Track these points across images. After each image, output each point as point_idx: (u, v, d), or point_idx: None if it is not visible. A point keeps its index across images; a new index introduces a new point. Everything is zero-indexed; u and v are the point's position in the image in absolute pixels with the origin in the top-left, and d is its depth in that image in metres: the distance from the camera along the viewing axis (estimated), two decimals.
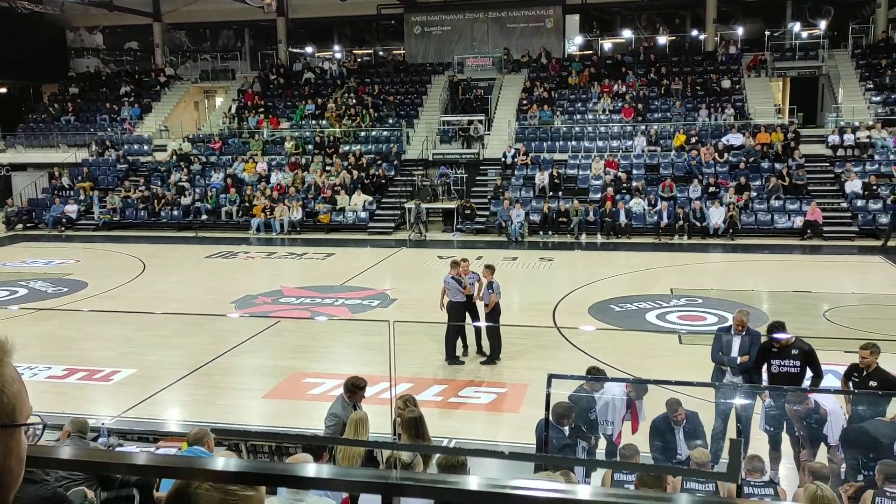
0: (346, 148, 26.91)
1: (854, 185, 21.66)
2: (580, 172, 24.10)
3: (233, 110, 29.98)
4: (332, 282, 16.02)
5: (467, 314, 10.60)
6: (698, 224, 20.88)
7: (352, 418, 5.84)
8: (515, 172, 24.41)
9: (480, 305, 10.60)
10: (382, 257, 19.11)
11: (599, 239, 21.16)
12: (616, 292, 14.45)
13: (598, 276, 16.21)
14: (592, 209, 21.55)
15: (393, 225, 23.29)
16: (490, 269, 10.46)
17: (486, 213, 23.11)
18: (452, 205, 23.19)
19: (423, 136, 26.65)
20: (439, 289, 10.74)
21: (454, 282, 10.29)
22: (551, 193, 23.00)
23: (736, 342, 7.50)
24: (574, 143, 25.62)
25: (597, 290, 14.87)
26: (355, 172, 24.62)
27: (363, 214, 23.35)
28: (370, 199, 23.85)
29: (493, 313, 10.34)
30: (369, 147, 27.18)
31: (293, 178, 25.02)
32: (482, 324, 10.53)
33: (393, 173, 25.56)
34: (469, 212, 22.59)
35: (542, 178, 23.23)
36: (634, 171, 23.65)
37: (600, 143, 25.33)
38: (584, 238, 21.23)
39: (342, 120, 28.05)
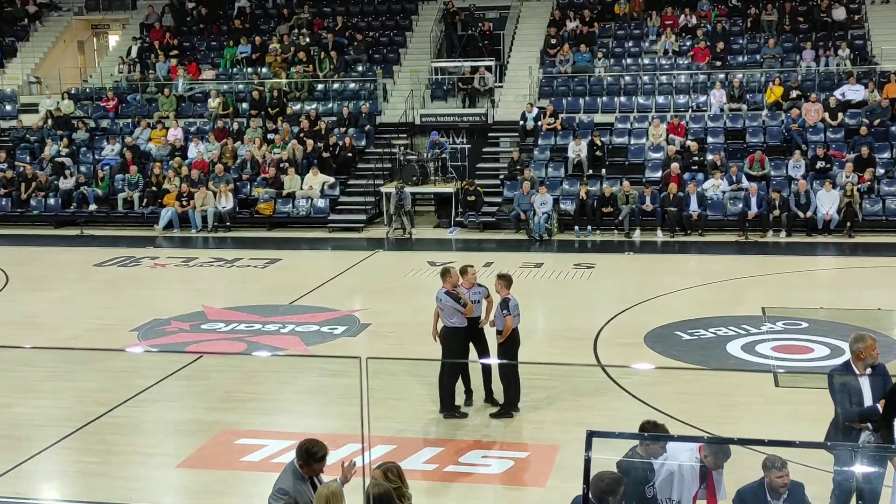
0: (297, 107, 26.95)
1: None
2: (632, 141, 24.15)
3: (133, 54, 29.97)
4: (278, 300, 16.02)
5: (471, 346, 10.61)
6: (801, 214, 20.97)
7: (320, 493, 5.88)
8: (540, 142, 24.46)
9: (491, 333, 10.62)
10: (349, 264, 19.15)
11: (660, 236, 21.22)
12: (684, 313, 14.48)
13: (659, 289, 16.22)
14: (650, 194, 21.62)
15: (364, 217, 23.34)
16: (504, 280, 10.49)
17: (498, 199, 23.15)
18: (449, 188, 23.24)
19: (407, 89, 26.70)
20: (431, 310, 10.76)
21: (449, 298, 10.31)
22: (591, 172, 23.07)
23: (865, 385, 7.38)
24: (623, 99, 25.67)
25: (657, 309, 14.89)
26: (310, 142, 24.66)
27: (321, 203, 23.40)
28: (331, 180, 23.87)
29: (509, 344, 10.35)
30: (329, 106, 27.17)
31: (220, 150, 25.03)
32: (493, 361, 10.55)
33: (364, 143, 25.56)
34: (474, 198, 22.65)
35: (577, 150, 23.31)
36: (710, 140, 23.71)
37: (661, 100, 25.40)
38: (637, 235, 21.29)
39: (290, 67, 28.09)
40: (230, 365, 12.56)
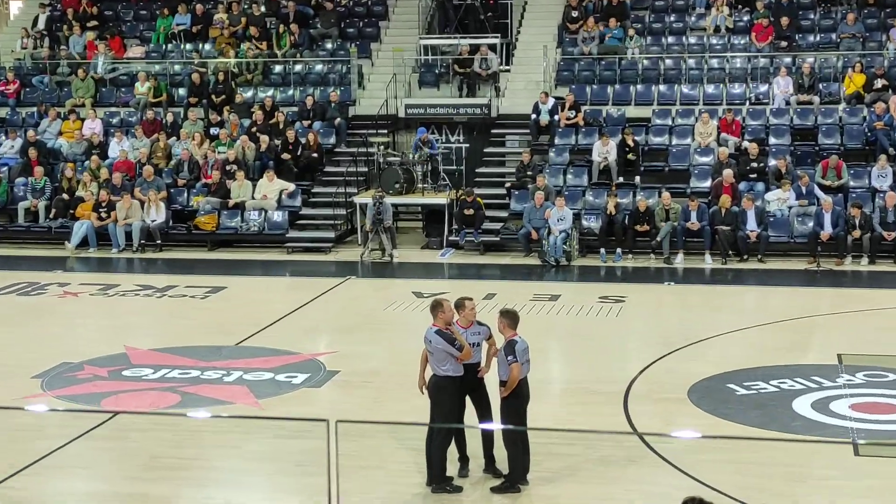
0: (249, 94, 26.95)
1: None
2: (674, 142, 24.20)
3: (41, 25, 29.96)
4: (221, 339, 15.95)
5: (468, 399, 10.58)
6: (887, 236, 21.03)
7: None
8: (557, 141, 24.47)
9: (492, 382, 10.59)
10: (313, 295, 19.10)
11: (709, 262, 21.23)
12: (739, 361, 14.45)
13: (707, 330, 16.20)
14: (696, 209, 21.63)
15: (332, 235, 23.33)
16: (509, 318, 10.42)
17: (504, 214, 23.16)
18: (441, 199, 23.25)
19: (389, 73, 26.75)
20: (418, 354, 10.72)
21: (441, 339, 10.27)
22: (622, 179, 23.11)
23: None
24: (663, 87, 25.76)
25: (704, 355, 14.85)
26: (264, 139, 24.67)
27: (278, 216, 23.37)
28: (291, 187, 23.85)
29: (514, 400, 10.29)
30: (290, 93, 27.17)
31: (150, 148, 25.01)
32: (494, 426, 10.49)
33: (334, 141, 25.55)
34: (472, 212, 22.63)
35: (604, 152, 23.34)
36: (773, 141, 23.77)
37: (710, 89, 25.48)
38: (680, 261, 21.30)
39: (241, 44, 28.11)
40: (159, 423, 12.47)
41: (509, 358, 10.13)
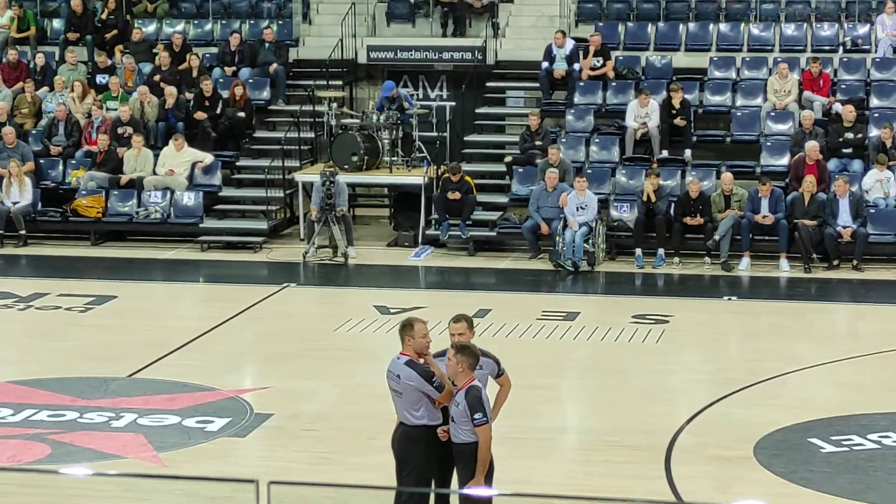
0: (150, 30, 26.89)
1: None
2: (739, 102, 24.23)
3: None
4: (108, 369, 15.90)
5: (450, 456, 10.54)
6: None
7: None
8: (577, 99, 24.50)
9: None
10: (236, 308, 19.08)
11: (785, 270, 21.22)
12: (824, 406, 14.44)
13: (781, 363, 16.21)
14: (768, 195, 21.59)
15: (265, 226, 23.35)
16: (470, 355, 10.05)
17: (503, 199, 23.21)
18: (416, 178, 23.28)
19: (346, 3, 26.65)
20: (379, 391, 10.69)
21: (413, 372, 10.21)
22: (666, 154, 23.15)
23: None
24: (724, 27, 25.75)
25: (776, 398, 14.88)
26: (171, 92, 24.64)
27: (189, 199, 23.30)
28: (209, 159, 23.80)
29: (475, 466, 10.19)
30: (207, 28, 27.13)
31: (13, 103, 24.94)
32: (483, 491, 10.42)
33: (268, 96, 25.55)
34: (459, 196, 22.57)
35: (642, 115, 23.32)
36: (875, 103, 23.78)
37: (790, 31, 25.49)
38: (744, 267, 21.33)
39: None
40: (23, 483, 12.43)
41: (476, 416, 9.64)
